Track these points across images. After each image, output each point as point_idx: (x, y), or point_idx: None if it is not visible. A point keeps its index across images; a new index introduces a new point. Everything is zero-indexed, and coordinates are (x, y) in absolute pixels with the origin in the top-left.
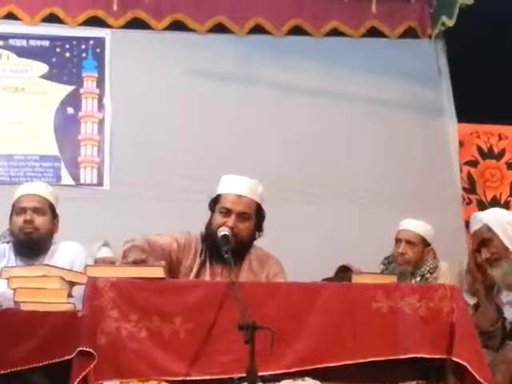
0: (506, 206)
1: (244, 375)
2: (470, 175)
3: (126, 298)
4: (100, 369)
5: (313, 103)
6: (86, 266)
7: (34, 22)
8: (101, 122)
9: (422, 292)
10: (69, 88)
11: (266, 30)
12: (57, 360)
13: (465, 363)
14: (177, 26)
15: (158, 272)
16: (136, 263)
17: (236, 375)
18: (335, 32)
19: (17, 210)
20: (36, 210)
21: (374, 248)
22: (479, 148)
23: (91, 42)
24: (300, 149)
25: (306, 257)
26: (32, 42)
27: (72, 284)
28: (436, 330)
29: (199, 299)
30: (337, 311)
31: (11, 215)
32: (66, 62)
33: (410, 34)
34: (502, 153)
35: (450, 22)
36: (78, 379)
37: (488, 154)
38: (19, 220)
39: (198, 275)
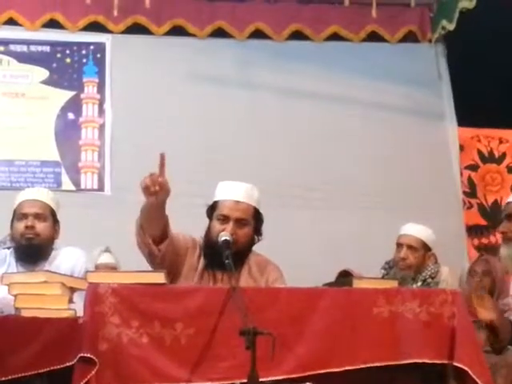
0: None
1: (245, 381)
2: (470, 179)
3: (127, 304)
4: (101, 375)
5: (313, 108)
6: (87, 271)
7: (34, 28)
8: (101, 128)
9: (423, 297)
10: (69, 93)
11: (266, 34)
12: (58, 366)
13: (466, 368)
14: (177, 31)
15: (158, 278)
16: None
17: (237, 381)
18: (335, 36)
19: (18, 215)
20: (37, 216)
21: (375, 253)
22: (480, 152)
23: (92, 47)
24: (300, 153)
25: (306, 262)
26: (33, 48)
27: (73, 290)
28: (437, 334)
29: (200, 305)
30: (338, 316)
31: (12, 221)
32: (67, 68)
33: (410, 38)
34: (502, 157)
35: (451, 26)
36: None
37: (488, 158)
38: (20, 226)
39: (201, 276)
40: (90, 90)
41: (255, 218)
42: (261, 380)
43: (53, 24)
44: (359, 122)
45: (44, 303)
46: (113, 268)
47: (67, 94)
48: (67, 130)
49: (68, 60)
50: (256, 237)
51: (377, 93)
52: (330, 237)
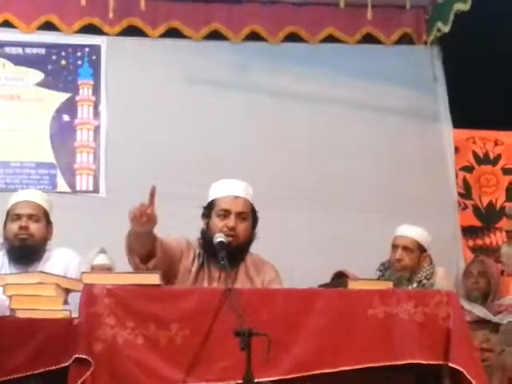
0: (501, 211)
1: (241, 382)
2: (465, 181)
3: (122, 305)
4: (96, 376)
5: (309, 110)
6: (82, 272)
7: (29, 30)
8: (96, 129)
9: (418, 298)
10: (65, 95)
11: (261, 36)
12: (53, 367)
13: (461, 369)
14: (172, 34)
15: (154, 279)
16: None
17: (233, 382)
18: (331, 38)
19: (12, 216)
20: (31, 217)
21: (371, 254)
22: (475, 153)
23: (87, 49)
24: (297, 155)
25: (302, 263)
26: (28, 50)
27: (68, 291)
28: (432, 335)
29: (195, 306)
30: (333, 317)
31: (5, 222)
32: (62, 70)
33: (405, 40)
34: (497, 158)
35: (446, 28)
36: None
37: (484, 160)
38: (14, 226)
39: (196, 278)
40: (85, 92)
41: (253, 215)
42: (256, 381)
43: (48, 26)
44: (355, 124)
45: (39, 304)
46: (108, 269)
47: (62, 96)
48: (62, 132)
49: (63, 62)
50: (253, 234)
51: (372, 94)
52: (326, 238)
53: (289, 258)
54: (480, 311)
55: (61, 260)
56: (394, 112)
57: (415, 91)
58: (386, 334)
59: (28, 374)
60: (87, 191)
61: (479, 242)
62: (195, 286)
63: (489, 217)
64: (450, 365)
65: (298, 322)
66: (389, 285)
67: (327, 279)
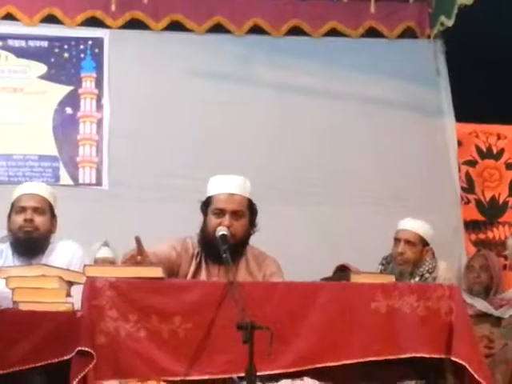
0: (504, 205)
1: (243, 375)
2: (468, 175)
3: (124, 298)
4: (99, 369)
5: (311, 103)
6: (85, 265)
7: (32, 23)
8: (99, 122)
9: (421, 292)
10: (67, 88)
11: (264, 30)
12: (56, 360)
13: (464, 363)
14: (175, 27)
15: (156, 272)
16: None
17: (235, 375)
18: (334, 32)
19: (16, 208)
20: (36, 210)
21: (373, 248)
22: (478, 148)
23: (90, 42)
24: (298, 148)
25: (304, 257)
26: (31, 43)
27: (71, 284)
28: (434, 329)
29: (198, 299)
30: (335, 311)
31: (10, 214)
32: (65, 63)
33: (408, 34)
34: (500, 152)
35: (449, 22)
36: (77, 379)
37: (487, 154)
38: (19, 219)
39: (194, 277)
40: (88, 84)
41: (250, 210)
42: (258, 374)
43: (51, 19)
44: (357, 118)
45: (42, 297)
46: (111, 262)
47: (65, 89)
48: (65, 125)
49: (66, 55)
50: (252, 228)
51: (375, 88)
52: (328, 232)
53: (291, 252)
54: (482, 305)
55: (64, 253)
56: (396, 106)
57: (418, 85)
58: (389, 328)
59: (31, 366)
60: (90, 184)
61: (482, 236)
62: None
63: (491, 211)
64: (453, 358)
65: (301, 315)
66: (391, 278)
67: (329, 273)
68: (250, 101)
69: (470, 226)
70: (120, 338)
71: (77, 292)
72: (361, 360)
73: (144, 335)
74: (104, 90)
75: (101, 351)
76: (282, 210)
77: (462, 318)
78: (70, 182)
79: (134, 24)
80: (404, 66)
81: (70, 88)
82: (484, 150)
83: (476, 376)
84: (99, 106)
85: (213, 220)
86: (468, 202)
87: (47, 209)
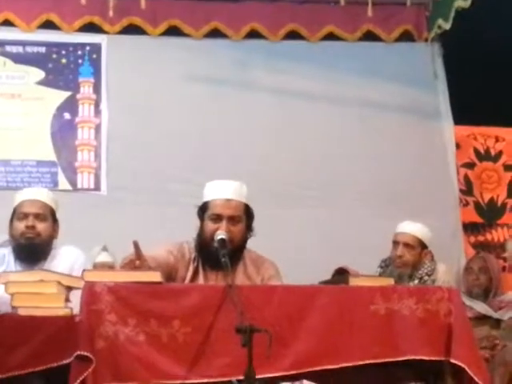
0: (503, 207)
1: (242, 378)
2: (466, 177)
3: (123, 303)
4: (98, 373)
5: (309, 107)
6: (84, 270)
7: (30, 29)
8: (97, 127)
9: (420, 294)
10: (65, 94)
11: (261, 34)
12: (55, 364)
13: (463, 365)
14: (173, 32)
15: (155, 276)
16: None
17: (234, 378)
18: (331, 36)
19: (18, 214)
20: (38, 216)
21: (372, 251)
22: (476, 150)
23: (87, 47)
24: (296, 152)
25: (303, 260)
26: (28, 49)
27: (69, 289)
28: (434, 331)
29: (197, 303)
30: (334, 314)
31: (11, 220)
32: (63, 68)
33: (406, 37)
34: (498, 154)
35: (446, 25)
36: (76, 383)
37: (485, 156)
38: (21, 225)
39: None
40: (86, 90)
41: (246, 214)
42: (257, 377)
43: (49, 25)
44: (355, 121)
45: (41, 302)
46: (110, 267)
47: (63, 95)
48: (63, 130)
49: (64, 60)
50: (249, 233)
51: (373, 92)
52: (327, 235)
53: (289, 255)
54: (481, 307)
55: (66, 258)
56: (394, 109)
57: (416, 88)
58: (388, 331)
59: (30, 370)
60: (88, 189)
61: (480, 238)
62: None
63: (490, 213)
64: (452, 361)
65: (300, 318)
66: (390, 281)
67: (328, 276)
68: (247, 105)
69: (469, 228)
70: (119, 342)
71: (76, 297)
72: (360, 363)
73: (143, 339)
74: (102, 95)
75: (100, 355)
76: (280, 213)
77: (461, 321)
78: (69, 187)
79: (132, 29)
80: (402, 69)
81: (68, 93)
82: (482, 152)
83: (475, 378)
84: (97, 112)
85: (210, 225)
86: (467, 204)
87: (49, 215)
